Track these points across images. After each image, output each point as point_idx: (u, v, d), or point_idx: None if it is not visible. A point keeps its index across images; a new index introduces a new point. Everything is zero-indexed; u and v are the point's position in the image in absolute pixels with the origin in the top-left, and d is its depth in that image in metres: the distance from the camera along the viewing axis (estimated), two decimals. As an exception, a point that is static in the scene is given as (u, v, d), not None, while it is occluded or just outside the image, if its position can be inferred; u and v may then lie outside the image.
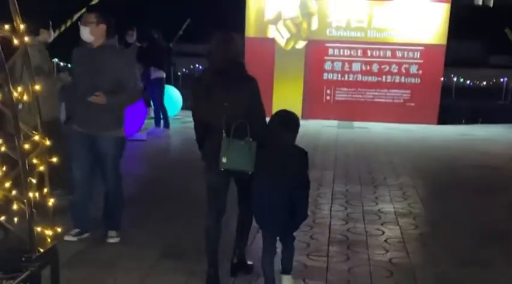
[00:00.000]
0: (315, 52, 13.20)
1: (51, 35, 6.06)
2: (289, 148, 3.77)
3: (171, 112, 12.14)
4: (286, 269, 3.96)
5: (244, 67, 3.98)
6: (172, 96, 12.60)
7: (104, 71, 4.48)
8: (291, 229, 3.88)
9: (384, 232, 5.43)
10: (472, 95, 17.32)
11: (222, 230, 4.05)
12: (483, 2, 14.51)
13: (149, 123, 11.10)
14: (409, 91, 13.24)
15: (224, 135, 3.76)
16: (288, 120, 3.76)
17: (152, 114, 11.41)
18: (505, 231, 5.66)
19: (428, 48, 13.05)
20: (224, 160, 3.75)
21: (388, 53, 13.25)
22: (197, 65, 21.48)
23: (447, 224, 5.81)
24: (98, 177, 4.80)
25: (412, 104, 13.24)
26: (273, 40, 13.31)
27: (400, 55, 13.20)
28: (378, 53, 13.27)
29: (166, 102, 11.56)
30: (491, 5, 22.60)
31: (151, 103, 11.42)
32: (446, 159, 9.28)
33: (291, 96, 13.02)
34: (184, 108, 13.11)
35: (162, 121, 10.94)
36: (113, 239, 4.74)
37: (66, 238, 4.65)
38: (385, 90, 13.31)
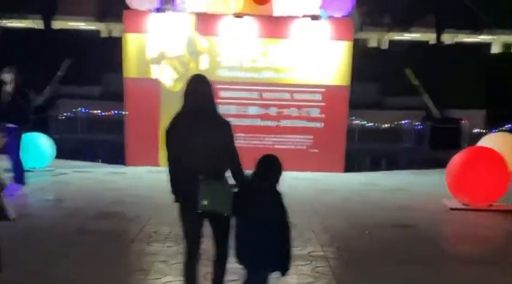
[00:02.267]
0: (207, 94, 11.74)
1: None
2: (268, 190, 3.86)
3: (40, 164, 10.92)
4: None
5: (216, 108, 4.11)
6: (41, 146, 10.91)
7: None
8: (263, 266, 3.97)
9: None
10: (374, 138, 16.67)
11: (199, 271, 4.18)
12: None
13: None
14: (311, 136, 12.01)
15: (201, 177, 3.79)
16: (273, 161, 3.99)
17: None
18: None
19: (330, 90, 11.94)
20: (205, 202, 3.76)
21: (286, 95, 12.04)
22: (80, 108, 19.58)
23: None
24: None
25: (316, 150, 12.01)
26: (156, 81, 11.79)
27: (300, 97, 12.01)
28: (275, 95, 12.01)
29: (34, 153, 10.50)
30: (387, 46, 22.42)
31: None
32: (359, 218, 7.92)
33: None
34: (58, 157, 11.45)
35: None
36: None
37: None
38: (286, 136, 12.03)
